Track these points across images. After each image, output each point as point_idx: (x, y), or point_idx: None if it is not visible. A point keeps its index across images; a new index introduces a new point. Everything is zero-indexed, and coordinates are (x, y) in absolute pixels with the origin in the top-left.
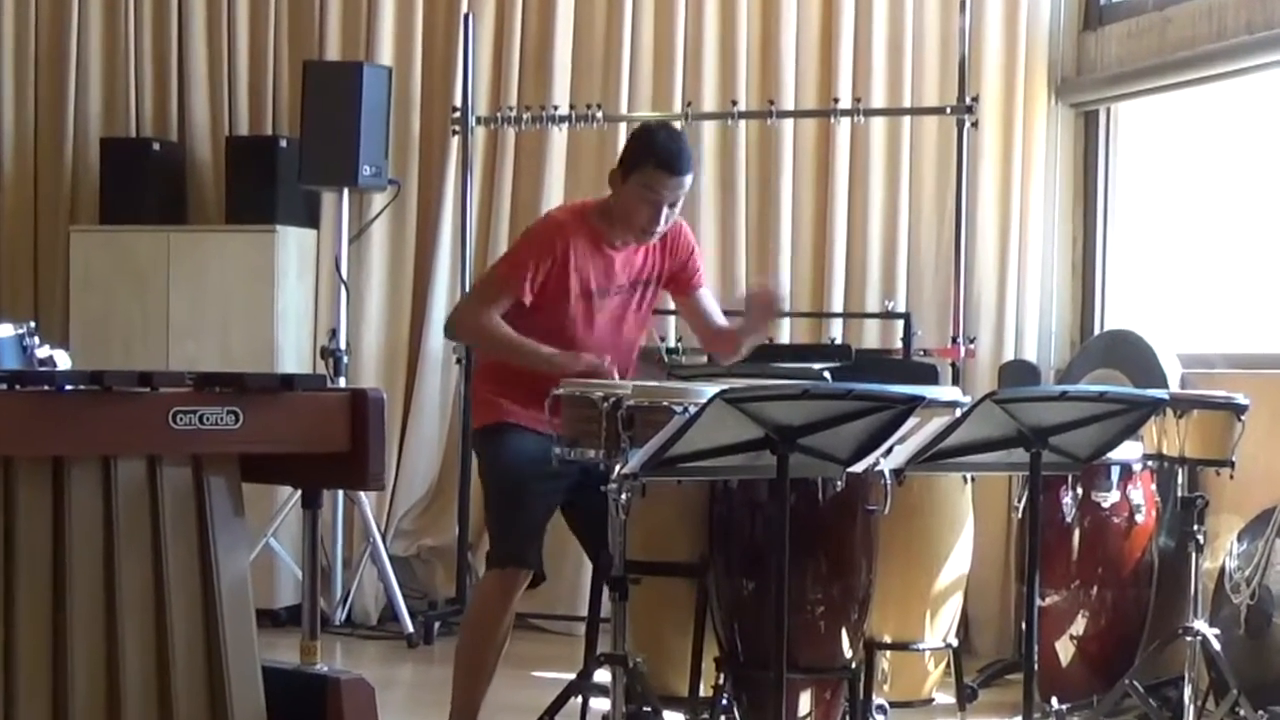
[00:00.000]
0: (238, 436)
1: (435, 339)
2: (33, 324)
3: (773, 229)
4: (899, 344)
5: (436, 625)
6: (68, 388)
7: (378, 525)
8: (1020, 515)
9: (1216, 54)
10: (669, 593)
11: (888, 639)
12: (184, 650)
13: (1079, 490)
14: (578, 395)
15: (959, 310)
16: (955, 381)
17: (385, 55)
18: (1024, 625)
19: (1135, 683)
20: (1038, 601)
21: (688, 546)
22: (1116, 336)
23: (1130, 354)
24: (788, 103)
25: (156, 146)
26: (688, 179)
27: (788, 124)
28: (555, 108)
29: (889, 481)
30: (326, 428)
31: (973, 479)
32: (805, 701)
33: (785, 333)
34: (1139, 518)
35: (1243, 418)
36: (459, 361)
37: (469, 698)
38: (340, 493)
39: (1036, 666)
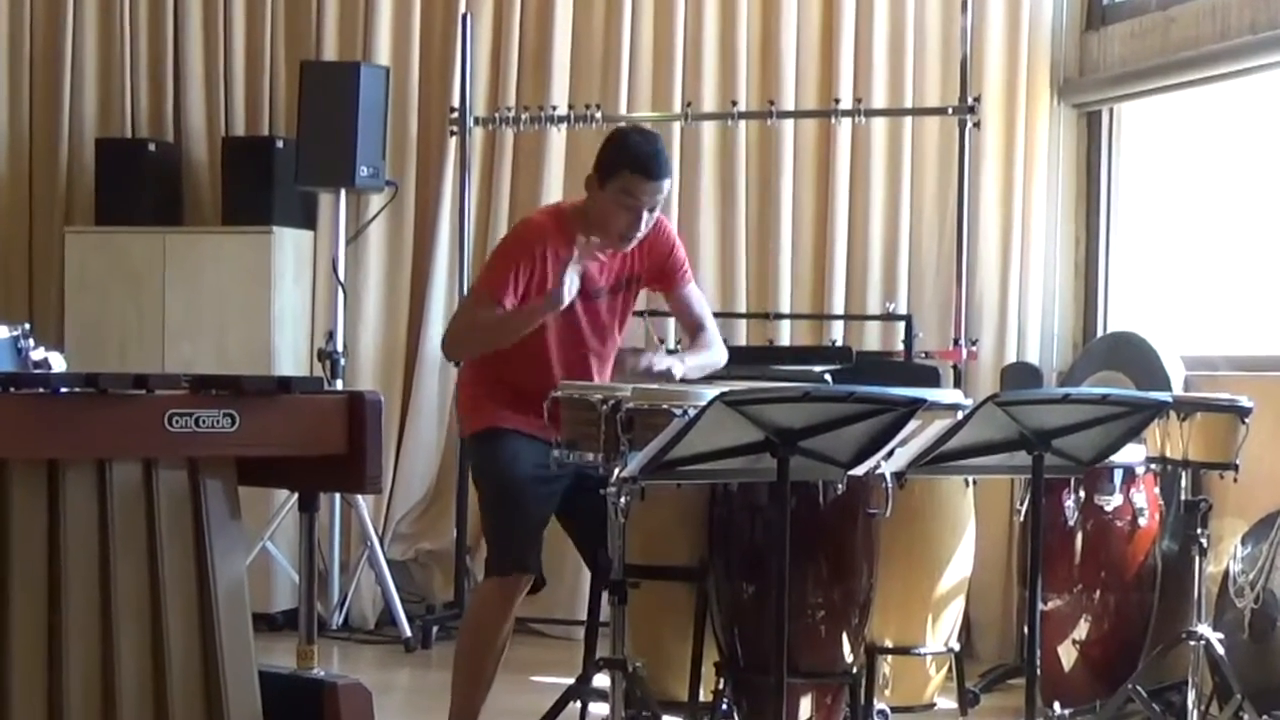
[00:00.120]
0: (234, 439)
1: (433, 341)
2: (27, 326)
3: (773, 230)
4: (900, 346)
5: (434, 630)
6: (63, 390)
7: (375, 529)
8: (1022, 518)
9: (1220, 54)
10: (668, 597)
11: (889, 643)
12: (180, 655)
13: (1081, 493)
14: (576, 398)
15: (961, 312)
16: (957, 384)
17: (383, 55)
18: (1026, 629)
19: (1138, 688)
20: (1040, 605)
21: (687, 550)
22: (1119, 338)
23: (1133, 356)
24: (788, 103)
25: (152, 147)
26: (666, 183)
27: (788, 124)
28: (554, 108)
29: (890, 484)
30: (323, 430)
31: (974, 482)
32: (806, 706)
33: (786, 335)
34: (1142, 521)
35: (1246, 420)
36: (457, 364)
37: (468, 704)
38: (337, 496)
39: (1039, 671)
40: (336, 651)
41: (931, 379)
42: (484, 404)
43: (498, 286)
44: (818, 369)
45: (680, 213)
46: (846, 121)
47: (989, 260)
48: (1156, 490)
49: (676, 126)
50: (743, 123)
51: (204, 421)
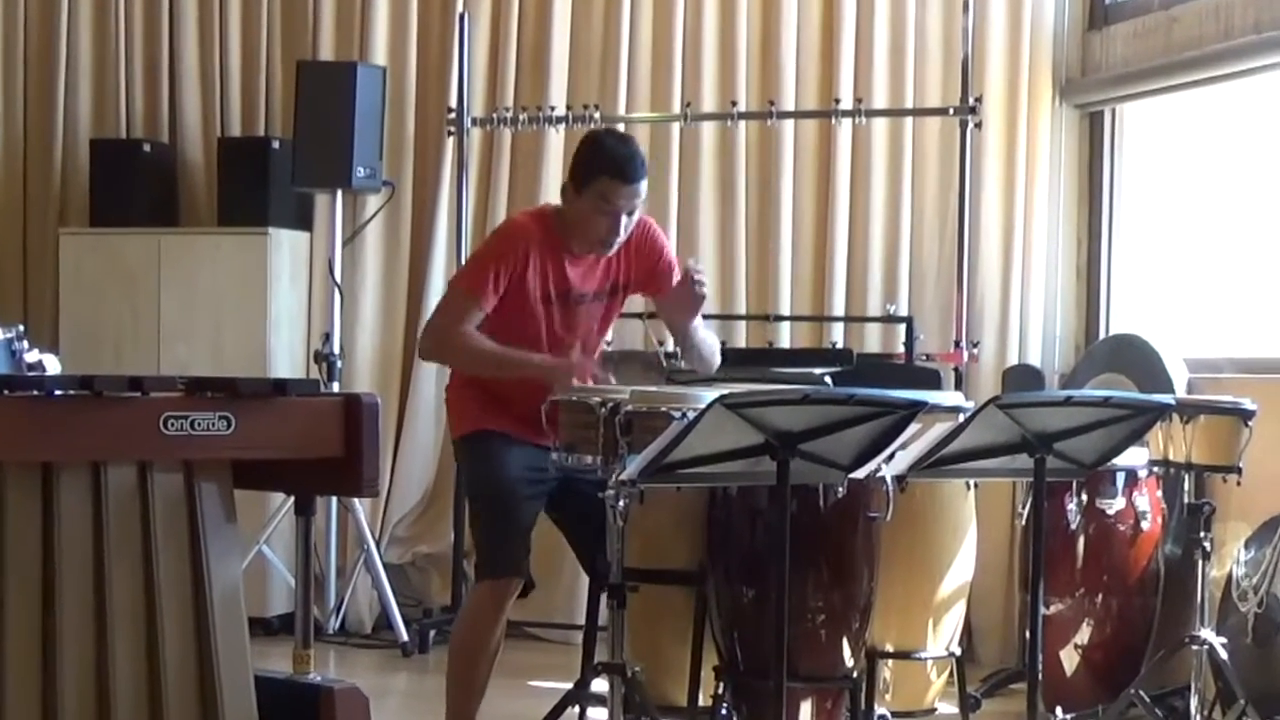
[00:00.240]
0: (230, 442)
1: None
2: (21, 328)
3: (773, 231)
4: (901, 348)
5: (432, 634)
6: (57, 392)
7: (372, 532)
8: (1024, 522)
9: (1223, 54)
10: (667, 601)
11: (889, 648)
12: (175, 659)
13: (1084, 497)
14: (575, 401)
15: (962, 314)
16: (958, 386)
17: (379, 55)
18: (1028, 634)
19: (1141, 692)
20: (1042, 610)
21: (687, 554)
22: (1122, 341)
23: (1136, 358)
24: (788, 103)
25: (147, 148)
26: (643, 185)
27: (788, 125)
28: (552, 108)
29: (891, 488)
30: (320, 433)
31: (976, 485)
32: (806, 711)
33: (786, 337)
34: (1144, 525)
35: (1250, 423)
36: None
37: (463, 709)
38: (334, 499)
39: (1041, 676)
40: (333, 656)
41: (932, 381)
42: (470, 406)
43: (478, 286)
44: (818, 371)
45: (680, 214)
46: (847, 122)
47: (990, 262)
48: (1159, 493)
49: (676, 127)
50: (742, 123)
51: (199, 424)
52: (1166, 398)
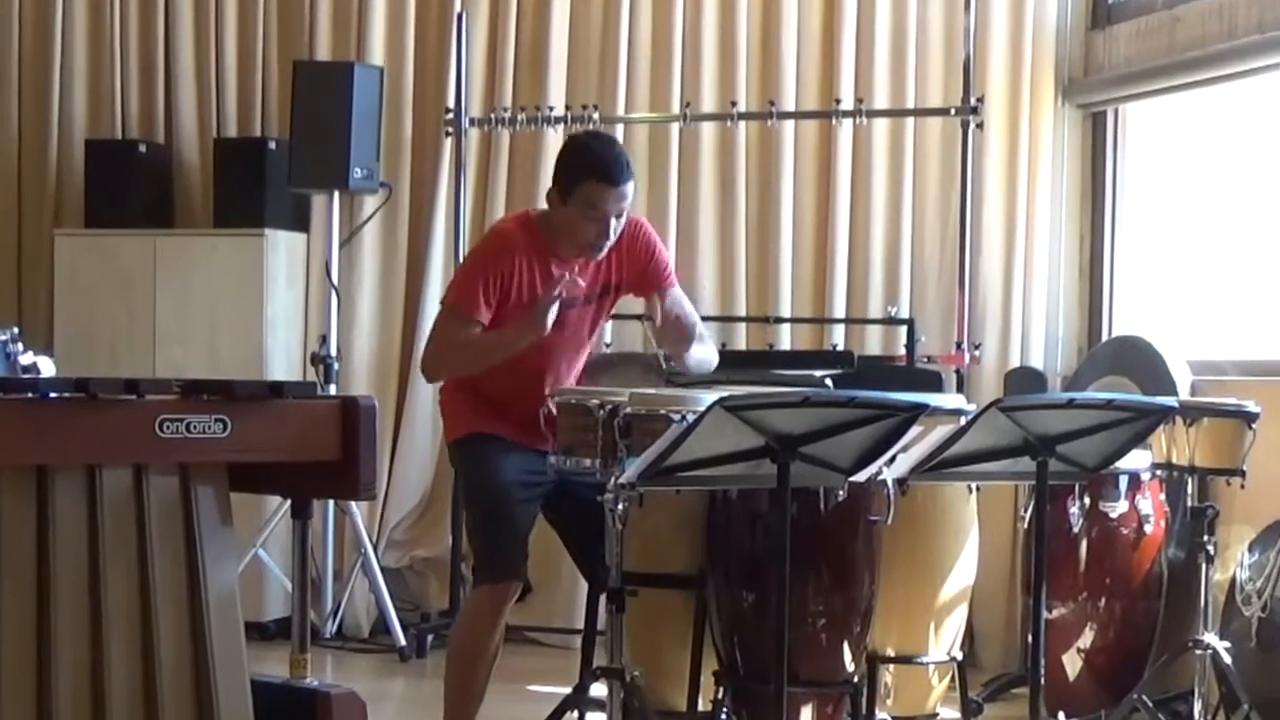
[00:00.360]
0: (226, 445)
1: None
2: (16, 330)
3: (773, 233)
4: (902, 350)
5: (429, 638)
6: (52, 395)
7: (369, 536)
8: (1026, 525)
9: (1227, 54)
10: (667, 604)
11: (891, 652)
12: (171, 663)
13: (1086, 500)
14: (573, 403)
15: (964, 316)
16: (960, 389)
17: (377, 55)
18: (1030, 638)
19: (1144, 697)
20: (1044, 614)
21: (686, 557)
22: (1125, 343)
23: (1139, 361)
24: (788, 104)
25: (143, 148)
26: (630, 187)
27: (788, 125)
28: (550, 109)
29: (892, 491)
30: (317, 436)
31: (978, 488)
32: (806, 716)
33: (786, 339)
34: (1148, 528)
35: (1254, 426)
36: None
37: (461, 714)
38: (331, 502)
39: (1043, 680)
40: (330, 660)
41: (934, 384)
42: (463, 410)
43: (468, 302)
44: (818, 373)
45: (679, 215)
46: (848, 122)
47: (992, 263)
48: (1162, 497)
49: (675, 127)
50: (742, 124)
51: (195, 427)
52: (1170, 400)
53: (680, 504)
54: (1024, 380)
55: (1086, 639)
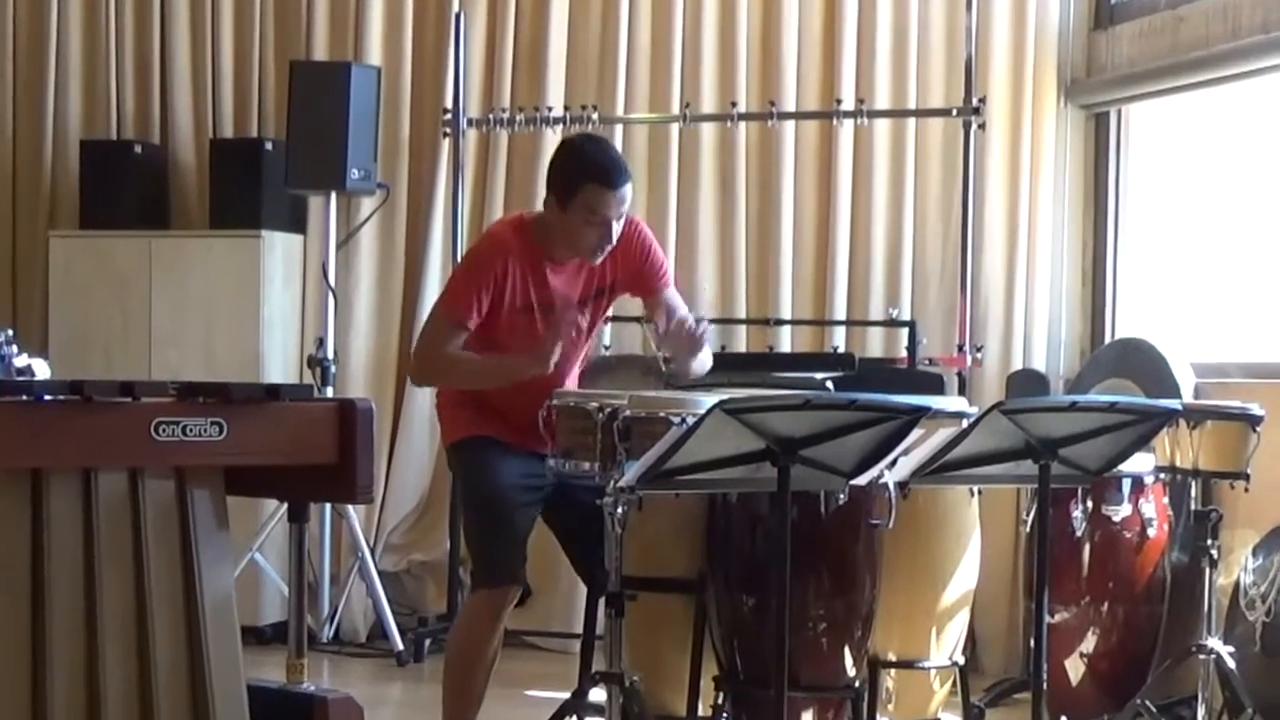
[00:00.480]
0: (222, 448)
1: None
2: (10, 332)
3: (774, 234)
4: (903, 353)
5: (427, 643)
6: (46, 398)
7: (366, 539)
8: (1029, 529)
9: (1230, 54)
10: (666, 609)
11: (892, 657)
12: (167, 668)
13: (1089, 503)
14: (572, 406)
15: (965, 318)
16: (961, 391)
17: (374, 55)
18: (1033, 643)
19: (1147, 702)
20: (1047, 618)
21: (686, 561)
22: (1128, 345)
23: (1142, 363)
24: (789, 104)
25: (138, 149)
26: (629, 189)
27: (789, 126)
28: (549, 109)
29: (893, 494)
30: (313, 439)
31: (980, 492)
32: None
33: (786, 341)
34: (1151, 532)
35: (1258, 429)
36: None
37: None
38: (328, 506)
39: (1046, 685)
40: (327, 665)
41: (936, 386)
42: (460, 413)
43: (460, 308)
44: (819, 376)
45: (679, 216)
46: (849, 123)
47: (994, 265)
48: (1166, 500)
49: (675, 128)
50: (742, 124)
51: (191, 430)
52: (1173, 403)
53: (680, 507)
54: (1026, 383)
55: (1089, 644)
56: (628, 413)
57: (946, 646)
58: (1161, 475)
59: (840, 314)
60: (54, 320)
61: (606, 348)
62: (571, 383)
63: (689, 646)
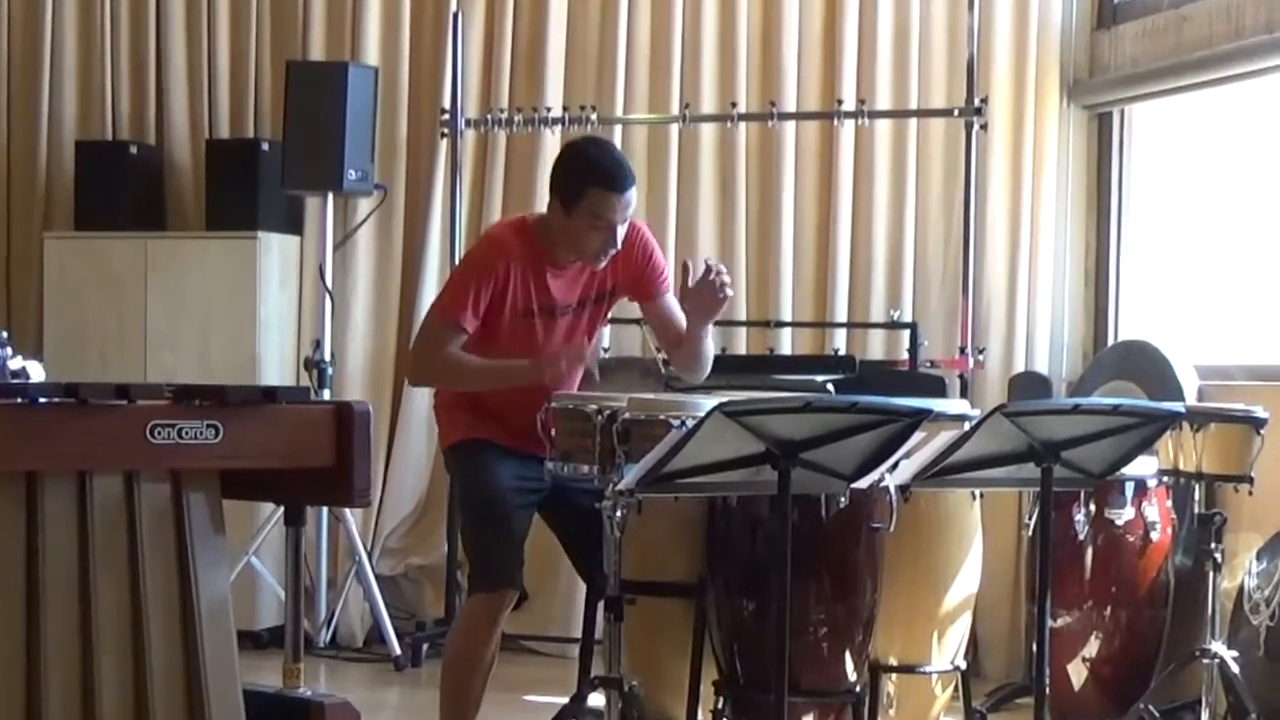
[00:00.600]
0: (218, 451)
1: None
2: (4, 334)
3: (774, 235)
4: (905, 355)
5: (424, 647)
6: (41, 400)
7: (364, 543)
8: (1031, 533)
9: (1234, 54)
10: (666, 613)
11: (893, 661)
12: (162, 673)
13: (1092, 507)
14: (571, 408)
15: (967, 320)
16: (963, 394)
17: (371, 55)
18: (1035, 647)
19: (1150, 707)
20: (1049, 622)
21: (685, 565)
22: (1131, 347)
23: (1145, 365)
24: (789, 104)
25: (134, 150)
26: (634, 192)
27: (789, 126)
28: (548, 110)
29: (894, 498)
30: (310, 442)
31: (981, 495)
32: None
33: (787, 343)
34: (1154, 535)
35: (1262, 431)
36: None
37: None
38: (324, 509)
39: (1048, 690)
40: (324, 670)
41: (937, 389)
42: (459, 415)
43: (457, 308)
44: (820, 378)
45: (679, 218)
46: (850, 123)
47: (996, 266)
48: (1169, 503)
49: (675, 129)
50: (743, 125)
51: (187, 433)
52: (1176, 406)
53: (679, 511)
54: (1028, 385)
55: (1092, 648)
56: (627, 415)
57: (948, 651)
58: (1165, 478)
59: (841, 316)
60: (49, 322)
61: (605, 350)
62: (571, 386)
63: (689, 651)
